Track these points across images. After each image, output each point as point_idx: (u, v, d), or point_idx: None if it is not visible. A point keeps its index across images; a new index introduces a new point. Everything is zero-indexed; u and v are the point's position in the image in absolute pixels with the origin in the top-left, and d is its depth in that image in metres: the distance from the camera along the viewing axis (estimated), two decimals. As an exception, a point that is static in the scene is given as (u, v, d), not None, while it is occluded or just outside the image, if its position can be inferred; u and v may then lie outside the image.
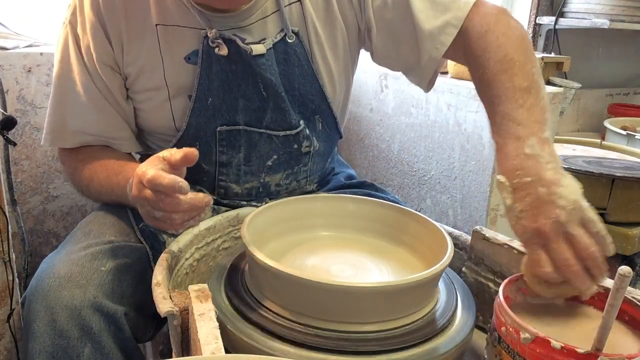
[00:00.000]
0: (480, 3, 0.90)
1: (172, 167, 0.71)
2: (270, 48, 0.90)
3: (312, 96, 0.96)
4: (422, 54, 0.92)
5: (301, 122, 0.96)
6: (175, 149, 0.73)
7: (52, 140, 0.95)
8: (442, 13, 0.89)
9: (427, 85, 0.97)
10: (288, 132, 0.95)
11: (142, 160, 1.07)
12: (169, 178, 0.67)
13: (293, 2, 0.92)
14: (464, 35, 0.88)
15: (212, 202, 0.73)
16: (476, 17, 0.88)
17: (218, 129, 0.93)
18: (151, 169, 0.69)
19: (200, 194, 0.71)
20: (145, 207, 0.72)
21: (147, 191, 0.70)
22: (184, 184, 0.67)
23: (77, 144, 0.94)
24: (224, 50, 0.88)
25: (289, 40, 0.92)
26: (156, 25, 0.88)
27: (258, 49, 0.89)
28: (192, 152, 0.71)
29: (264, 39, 0.91)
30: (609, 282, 0.71)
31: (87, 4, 0.89)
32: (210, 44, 0.88)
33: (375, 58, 1.01)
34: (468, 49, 0.86)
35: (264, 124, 0.94)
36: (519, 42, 0.82)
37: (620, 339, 0.63)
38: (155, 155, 0.73)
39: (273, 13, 0.91)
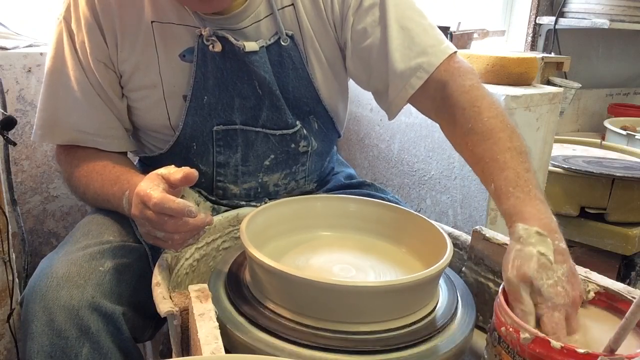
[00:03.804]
0: (455, 56, 0.90)
1: (171, 186, 0.72)
2: (263, 46, 0.90)
3: (306, 99, 0.96)
4: (391, 90, 0.91)
5: (297, 122, 0.96)
6: (173, 166, 0.73)
7: (42, 136, 0.94)
8: (418, 55, 0.88)
9: (392, 115, 0.95)
10: (284, 132, 0.95)
11: (141, 163, 1.07)
12: (177, 202, 0.67)
13: (286, 6, 0.92)
14: (440, 85, 0.87)
15: (213, 221, 0.74)
16: (453, 68, 0.87)
17: (214, 128, 0.92)
18: (155, 190, 0.69)
19: (202, 214, 0.71)
20: (146, 227, 0.72)
21: (150, 212, 0.69)
22: (194, 207, 0.68)
23: (68, 142, 0.94)
24: (218, 47, 0.88)
25: (283, 44, 0.91)
26: (152, 22, 0.88)
27: (251, 45, 0.89)
28: (192, 172, 0.71)
29: (259, 41, 0.91)
30: (608, 282, 0.70)
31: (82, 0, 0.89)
32: (205, 42, 0.88)
33: (349, 75, 1.00)
34: (449, 100, 0.85)
35: (260, 122, 0.94)
36: (501, 105, 0.83)
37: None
38: (154, 172, 0.73)
39: (266, 17, 0.91)
